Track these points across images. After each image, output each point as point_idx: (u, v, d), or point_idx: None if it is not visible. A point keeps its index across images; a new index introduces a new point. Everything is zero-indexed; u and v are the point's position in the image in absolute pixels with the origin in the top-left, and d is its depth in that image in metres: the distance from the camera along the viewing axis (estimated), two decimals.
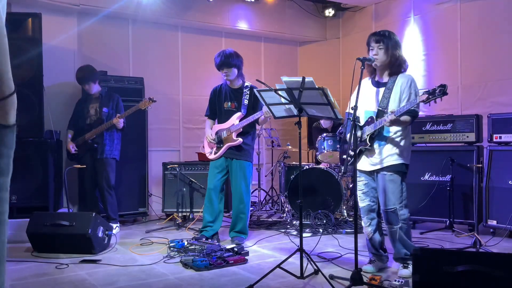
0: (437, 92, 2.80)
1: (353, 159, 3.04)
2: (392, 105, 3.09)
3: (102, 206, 5.00)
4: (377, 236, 3.28)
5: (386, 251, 3.38)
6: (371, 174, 3.25)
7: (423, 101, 2.85)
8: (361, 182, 3.29)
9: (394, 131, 3.13)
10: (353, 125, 2.98)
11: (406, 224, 3.14)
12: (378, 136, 3.15)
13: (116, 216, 4.97)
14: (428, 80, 5.94)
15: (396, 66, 3.13)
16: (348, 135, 3.12)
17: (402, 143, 3.13)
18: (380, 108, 3.12)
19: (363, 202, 3.29)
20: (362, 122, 3.23)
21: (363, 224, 3.34)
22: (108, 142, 4.89)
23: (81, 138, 4.91)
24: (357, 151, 3.17)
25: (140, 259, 3.70)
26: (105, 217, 4.81)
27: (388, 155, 3.12)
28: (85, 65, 5.03)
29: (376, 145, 3.16)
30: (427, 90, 2.87)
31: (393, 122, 2.98)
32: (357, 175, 3.26)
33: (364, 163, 3.23)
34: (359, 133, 3.17)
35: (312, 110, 3.11)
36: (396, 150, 3.12)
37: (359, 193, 3.30)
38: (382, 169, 3.14)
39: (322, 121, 6.04)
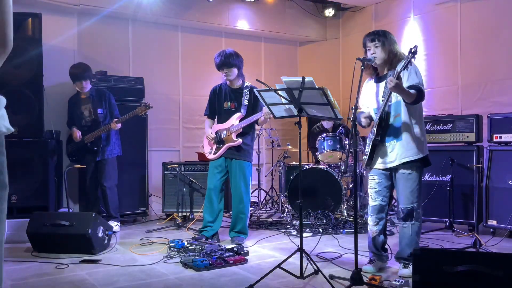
0: (410, 55, 2.81)
1: (365, 157, 3.01)
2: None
3: (103, 206, 5.00)
4: (381, 237, 3.26)
5: (386, 251, 3.37)
6: (386, 171, 3.19)
7: (403, 68, 2.84)
8: (374, 181, 3.24)
9: (406, 122, 3.04)
10: (353, 125, 2.96)
11: (419, 222, 3.14)
12: (392, 129, 3.08)
13: (117, 214, 4.97)
14: (428, 80, 5.92)
15: (396, 61, 3.09)
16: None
17: (417, 135, 3.06)
18: (383, 99, 3.06)
19: (374, 201, 3.25)
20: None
21: (369, 222, 3.29)
22: (106, 143, 4.89)
23: (80, 140, 4.90)
24: (371, 148, 3.14)
25: (140, 259, 3.70)
26: (106, 216, 4.82)
27: (404, 150, 3.05)
28: (80, 62, 5.02)
29: (392, 141, 3.09)
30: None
31: (396, 87, 2.80)
32: (371, 173, 3.25)
33: (379, 161, 3.18)
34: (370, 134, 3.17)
35: (312, 110, 3.11)
36: (413, 144, 3.05)
37: (371, 191, 3.27)
38: (400, 166, 3.08)
39: (324, 122, 6.04)
